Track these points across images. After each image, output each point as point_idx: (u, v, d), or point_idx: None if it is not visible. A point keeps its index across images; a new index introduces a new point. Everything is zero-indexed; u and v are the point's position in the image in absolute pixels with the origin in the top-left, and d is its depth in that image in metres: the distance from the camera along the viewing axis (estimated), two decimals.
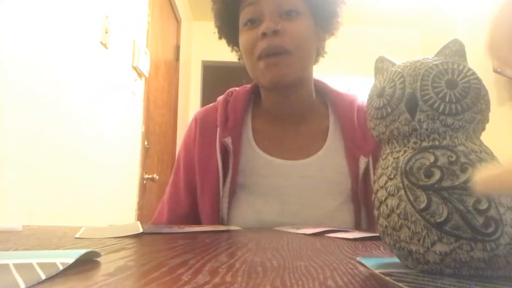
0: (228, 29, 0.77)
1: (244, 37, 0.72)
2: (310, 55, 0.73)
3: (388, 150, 0.32)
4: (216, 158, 0.73)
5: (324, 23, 0.75)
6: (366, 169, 0.72)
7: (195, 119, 0.81)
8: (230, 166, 0.72)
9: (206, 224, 0.74)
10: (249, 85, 0.82)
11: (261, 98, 0.80)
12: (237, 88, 0.83)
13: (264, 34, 0.67)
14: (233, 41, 0.79)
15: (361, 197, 0.72)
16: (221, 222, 0.73)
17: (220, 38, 0.81)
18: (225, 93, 0.82)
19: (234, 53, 0.84)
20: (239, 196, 0.74)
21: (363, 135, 0.74)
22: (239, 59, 0.82)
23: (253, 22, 0.70)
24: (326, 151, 0.75)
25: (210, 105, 0.83)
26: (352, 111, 0.77)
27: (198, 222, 0.78)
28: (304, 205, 0.73)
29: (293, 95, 0.75)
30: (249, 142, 0.76)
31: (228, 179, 0.72)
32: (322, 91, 0.81)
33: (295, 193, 0.73)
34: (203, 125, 0.78)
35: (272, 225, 0.70)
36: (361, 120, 0.75)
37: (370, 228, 0.73)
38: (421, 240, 0.28)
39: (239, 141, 0.74)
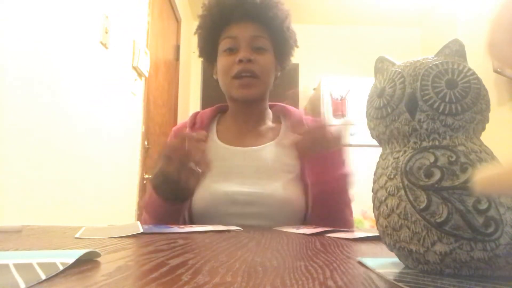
0: (208, 51, 0.97)
1: (223, 60, 0.92)
2: (270, 81, 0.95)
3: (388, 150, 0.32)
4: None
5: (281, 60, 0.98)
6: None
7: (173, 133, 1.00)
8: None
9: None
10: (213, 107, 1.03)
11: (226, 113, 1.01)
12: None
13: (241, 61, 0.88)
14: (209, 60, 0.99)
15: (308, 176, 0.87)
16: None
17: (200, 56, 1.01)
18: (194, 112, 1.03)
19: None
20: (204, 180, 0.88)
21: None
22: (213, 75, 1.01)
23: (231, 50, 0.91)
24: (278, 141, 0.94)
25: (183, 122, 1.04)
26: (301, 117, 0.97)
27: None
28: (261, 178, 0.88)
29: (253, 106, 0.95)
30: (214, 139, 0.95)
31: None
32: (275, 108, 1.02)
33: (252, 170, 0.89)
34: (177, 134, 0.97)
35: (235, 193, 0.85)
36: (308, 124, 0.93)
37: (313, 204, 0.85)
38: (421, 240, 0.28)
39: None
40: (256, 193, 0.85)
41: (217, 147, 0.93)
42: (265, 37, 0.92)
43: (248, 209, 0.84)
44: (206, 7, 0.95)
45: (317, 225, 0.78)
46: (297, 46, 1.00)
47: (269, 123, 0.99)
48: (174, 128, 1.02)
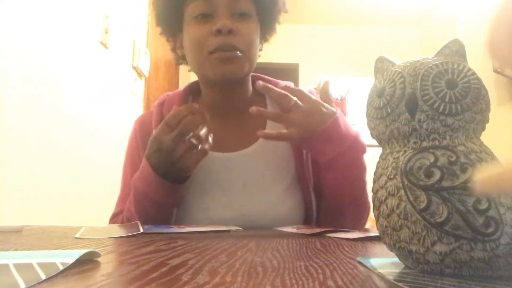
0: (170, 17, 0.76)
1: (193, 30, 0.71)
2: (256, 55, 0.76)
3: (388, 150, 0.32)
4: None
5: (266, 28, 0.79)
6: None
7: (134, 129, 0.82)
8: None
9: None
10: (182, 88, 0.83)
11: (200, 97, 0.81)
12: (170, 93, 0.84)
13: (219, 31, 0.68)
14: (172, 30, 0.78)
15: (308, 176, 0.75)
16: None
17: (157, 25, 0.79)
18: (160, 98, 0.83)
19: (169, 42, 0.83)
20: (185, 196, 0.73)
21: None
22: (172, 50, 0.81)
23: (205, 17, 0.70)
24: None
25: (147, 111, 0.85)
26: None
27: None
28: (251, 195, 0.74)
29: (235, 91, 0.77)
30: None
31: None
32: (255, 84, 0.80)
33: (240, 185, 0.74)
34: (142, 132, 0.80)
35: (222, 220, 0.71)
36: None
37: (320, 210, 0.76)
38: (421, 240, 0.28)
39: None
40: (246, 216, 0.72)
41: None
42: (249, 0, 0.72)
43: None
44: None
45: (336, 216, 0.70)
46: (285, 11, 0.80)
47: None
48: (136, 124, 0.83)
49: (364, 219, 0.77)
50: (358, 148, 0.68)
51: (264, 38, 0.81)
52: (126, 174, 0.83)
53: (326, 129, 0.64)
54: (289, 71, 4.00)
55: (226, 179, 0.75)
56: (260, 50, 0.80)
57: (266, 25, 0.79)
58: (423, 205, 0.27)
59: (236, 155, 0.76)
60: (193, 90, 0.82)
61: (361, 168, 0.70)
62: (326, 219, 0.76)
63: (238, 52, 0.70)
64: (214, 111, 0.77)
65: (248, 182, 0.75)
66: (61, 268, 0.26)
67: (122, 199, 0.83)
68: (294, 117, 0.65)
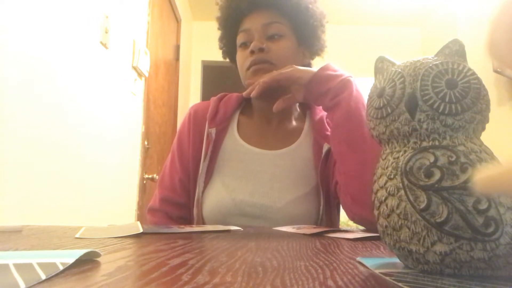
0: (229, 49, 0.95)
1: (239, 55, 0.89)
2: None
3: (388, 150, 0.32)
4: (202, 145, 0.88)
5: (307, 44, 0.90)
6: (327, 154, 0.82)
7: (189, 113, 0.93)
8: (209, 152, 0.85)
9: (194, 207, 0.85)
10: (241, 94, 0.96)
11: (250, 102, 0.95)
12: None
13: (252, 52, 0.83)
14: (233, 58, 0.95)
15: (321, 182, 0.81)
16: (197, 200, 0.84)
17: (224, 58, 0.98)
18: (220, 94, 0.96)
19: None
20: (216, 178, 0.85)
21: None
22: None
23: (245, 44, 0.87)
24: (298, 144, 0.87)
25: (204, 101, 0.96)
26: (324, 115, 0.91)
27: (189, 213, 0.87)
28: (274, 188, 0.82)
29: (276, 101, 0.83)
30: (233, 133, 0.89)
31: (206, 163, 0.84)
32: (301, 104, 0.96)
33: (267, 177, 0.83)
34: (195, 117, 0.91)
35: (243, 204, 0.80)
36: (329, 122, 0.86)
37: (327, 218, 0.82)
38: (421, 240, 0.28)
39: (224, 132, 0.88)
40: (265, 207, 0.80)
41: (236, 145, 0.87)
42: (281, 22, 0.85)
43: (255, 222, 0.79)
44: (220, 7, 0.92)
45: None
46: (322, 25, 0.91)
47: (295, 120, 0.92)
48: (191, 109, 0.94)
49: (370, 161, 0.74)
50: (355, 85, 0.75)
51: (310, 53, 0.92)
52: (174, 155, 0.91)
53: (320, 72, 0.75)
54: None
55: (256, 170, 0.84)
56: (310, 66, 0.92)
57: (306, 43, 0.90)
58: (423, 205, 0.27)
59: (270, 153, 0.86)
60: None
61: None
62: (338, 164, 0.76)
63: (269, 64, 0.82)
64: (261, 114, 0.91)
65: (274, 178, 0.83)
66: (61, 268, 0.26)
67: (165, 186, 0.90)
68: (287, 71, 0.75)
